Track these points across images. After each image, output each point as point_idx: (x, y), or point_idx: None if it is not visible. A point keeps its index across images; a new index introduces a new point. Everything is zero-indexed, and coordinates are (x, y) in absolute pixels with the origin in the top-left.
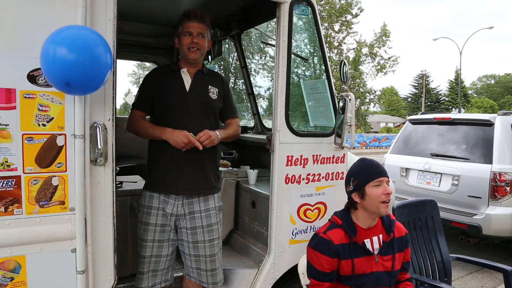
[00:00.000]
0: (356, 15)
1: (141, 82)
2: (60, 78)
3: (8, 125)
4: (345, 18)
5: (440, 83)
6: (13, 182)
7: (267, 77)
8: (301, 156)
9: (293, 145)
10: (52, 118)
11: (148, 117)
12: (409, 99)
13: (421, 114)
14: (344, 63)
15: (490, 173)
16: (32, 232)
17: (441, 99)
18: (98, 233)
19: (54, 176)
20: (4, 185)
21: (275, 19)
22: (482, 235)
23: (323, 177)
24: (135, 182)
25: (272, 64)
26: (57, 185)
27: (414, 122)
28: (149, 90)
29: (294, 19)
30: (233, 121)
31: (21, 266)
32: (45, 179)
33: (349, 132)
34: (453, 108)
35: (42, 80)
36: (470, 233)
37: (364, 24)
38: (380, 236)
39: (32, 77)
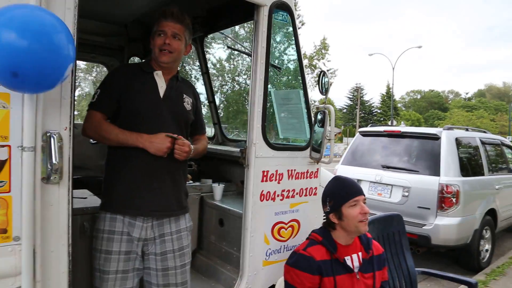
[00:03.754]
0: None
1: (104, 79)
2: (5, 66)
3: None
4: (287, 30)
5: (373, 96)
6: None
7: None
8: (276, 171)
9: (269, 159)
10: None
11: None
12: (344, 110)
13: (370, 126)
14: (324, 74)
15: (438, 184)
16: None
17: (373, 111)
18: (50, 266)
19: None
20: None
21: (244, 24)
22: (431, 245)
23: (297, 193)
24: (84, 198)
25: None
26: None
27: (365, 134)
28: (116, 91)
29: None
30: (202, 137)
31: None
32: None
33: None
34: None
35: None
36: (420, 243)
37: (305, 37)
38: (359, 253)
39: None
